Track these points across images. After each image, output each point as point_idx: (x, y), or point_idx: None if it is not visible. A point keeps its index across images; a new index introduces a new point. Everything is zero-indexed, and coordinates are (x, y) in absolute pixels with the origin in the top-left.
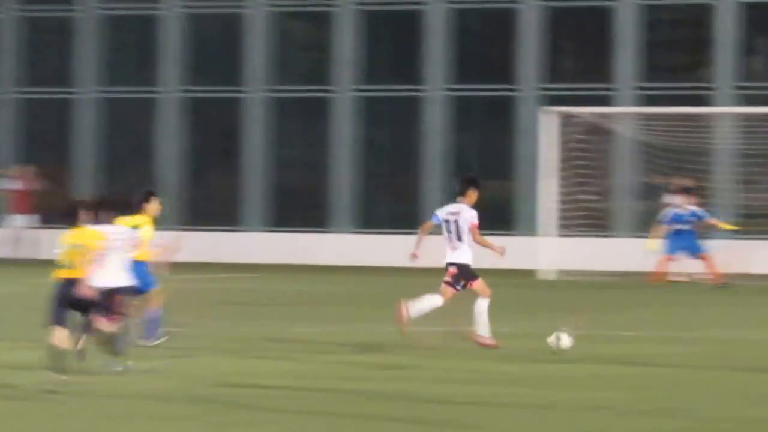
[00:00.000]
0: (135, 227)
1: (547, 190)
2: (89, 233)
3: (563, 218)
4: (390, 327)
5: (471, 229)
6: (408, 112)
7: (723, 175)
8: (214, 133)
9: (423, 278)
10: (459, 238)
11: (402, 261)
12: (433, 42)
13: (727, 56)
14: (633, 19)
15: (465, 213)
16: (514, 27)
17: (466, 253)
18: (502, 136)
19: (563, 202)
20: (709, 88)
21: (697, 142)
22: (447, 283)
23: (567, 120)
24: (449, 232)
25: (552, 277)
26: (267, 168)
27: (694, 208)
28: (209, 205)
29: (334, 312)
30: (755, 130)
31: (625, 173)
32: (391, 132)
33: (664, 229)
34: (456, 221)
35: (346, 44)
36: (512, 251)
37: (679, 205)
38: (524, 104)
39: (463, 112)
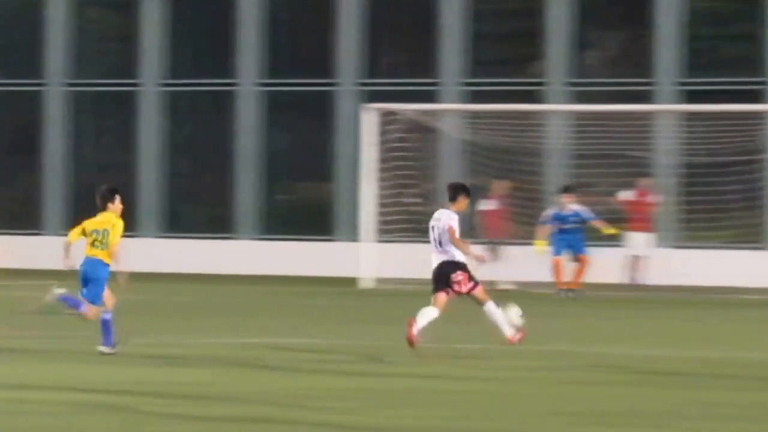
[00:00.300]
0: None
1: (368, 193)
2: None
3: (384, 223)
4: (201, 339)
5: (447, 231)
6: (219, 108)
7: (555, 177)
8: (12, 129)
9: (232, 287)
10: (440, 243)
11: (213, 267)
12: (246, 33)
13: (558, 50)
14: (458, 9)
15: (444, 216)
16: (333, 17)
17: (457, 254)
18: (320, 135)
19: (384, 205)
20: (540, 84)
21: (527, 141)
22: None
23: (388, 117)
24: (434, 238)
25: (372, 285)
26: (67, 167)
27: (577, 207)
28: (9, 207)
29: (132, 323)
30: (588, 129)
31: (451, 175)
32: (201, 129)
33: (547, 229)
34: (440, 227)
35: (152, 35)
36: (332, 258)
37: (562, 204)
38: (343, 100)
39: (278, 108)
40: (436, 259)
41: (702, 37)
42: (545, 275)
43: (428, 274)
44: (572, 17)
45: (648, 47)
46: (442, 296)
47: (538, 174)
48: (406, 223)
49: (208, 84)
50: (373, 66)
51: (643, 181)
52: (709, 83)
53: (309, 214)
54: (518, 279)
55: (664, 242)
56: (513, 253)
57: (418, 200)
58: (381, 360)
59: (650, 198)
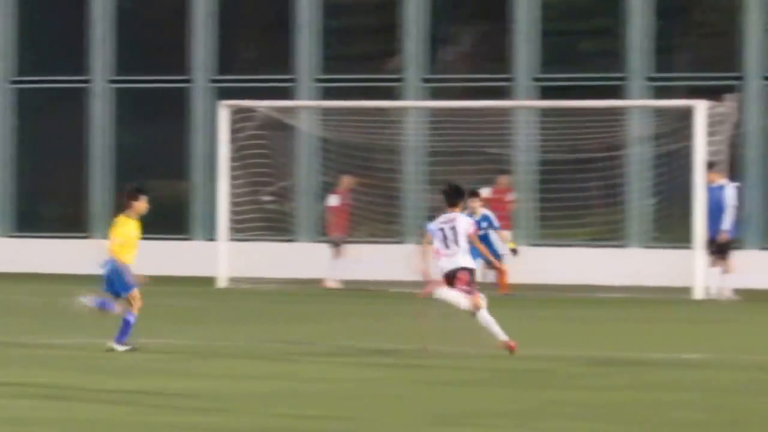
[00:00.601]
0: None
1: (224, 191)
2: None
3: (239, 221)
4: (49, 339)
5: (470, 237)
6: (71, 105)
7: (411, 175)
8: None
9: (88, 286)
10: (456, 244)
11: (69, 267)
12: (97, 29)
13: (414, 46)
14: (313, 5)
15: (461, 219)
16: (186, 13)
17: (467, 257)
18: (174, 132)
19: (239, 203)
20: (396, 80)
21: (383, 138)
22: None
23: (243, 114)
24: (446, 239)
25: (227, 285)
26: None
27: (486, 212)
28: None
29: None
30: (445, 126)
31: (306, 172)
32: (53, 126)
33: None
34: (453, 227)
35: (1, 31)
36: (189, 257)
37: (473, 209)
38: (198, 97)
39: (131, 105)
40: (449, 263)
41: (560, 32)
42: (395, 274)
43: (284, 273)
44: (428, 12)
45: (505, 43)
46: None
47: (395, 171)
48: (262, 222)
49: (59, 81)
50: (227, 62)
51: (501, 179)
52: (567, 79)
53: (164, 212)
54: (372, 278)
55: (522, 240)
56: (359, 251)
57: (273, 198)
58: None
59: (508, 195)
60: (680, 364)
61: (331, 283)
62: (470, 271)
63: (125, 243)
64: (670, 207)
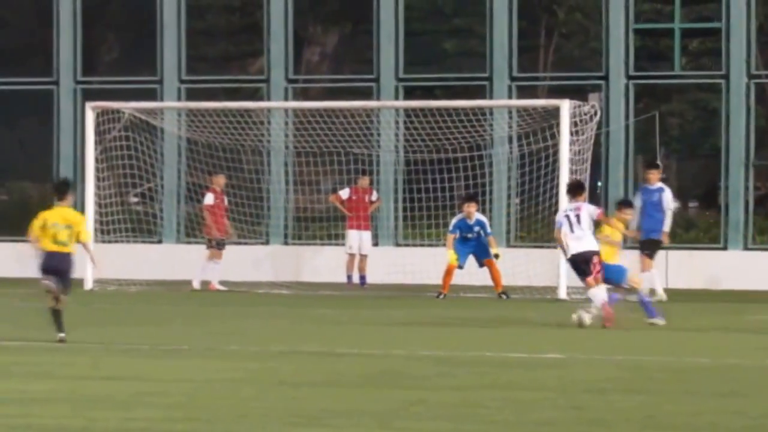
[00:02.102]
0: None
1: (90, 193)
2: None
3: (106, 223)
4: None
5: (599, 218)
6: None
7: (277, 175)
8: None
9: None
10: (581, 228)
11: None
12: None
13: (279, 47)
14: (177, 5)
15: (586, 206)
16: (51, 14)
17: (593, 240)
18: (41, 134)
19: (106, 205)
20: (260, 81)
21: (248, 139)
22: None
23: (109, 116)
24: (572, 224)
25: (93, 286)
26: None
27: (480, 217)
28: None
29: None
30: (309, 127)
31: (172, 174)
32: None
33: (452, 238)
34: (578, 215)
35: None
36: None
37: (468, 213)
38: (63, 99)
39: None
40: (578, 246)
41: (423, 33)
42: (261, 275)
43: (150, 275)
44: (292, 13)
45: (369, 43)
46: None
47: (261, 172)
48: (127, 223)
49: None
50: (93, 64)
51: (362, 179)
52: (431, 79)
53: (31, 214)
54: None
55: (384, 240)
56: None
57: (139, 199)
58: (96, 363)
59: (368, 196)
60: (541, 365)
61: (215, 285)
62: (597, 253)
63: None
64: (535, 206)
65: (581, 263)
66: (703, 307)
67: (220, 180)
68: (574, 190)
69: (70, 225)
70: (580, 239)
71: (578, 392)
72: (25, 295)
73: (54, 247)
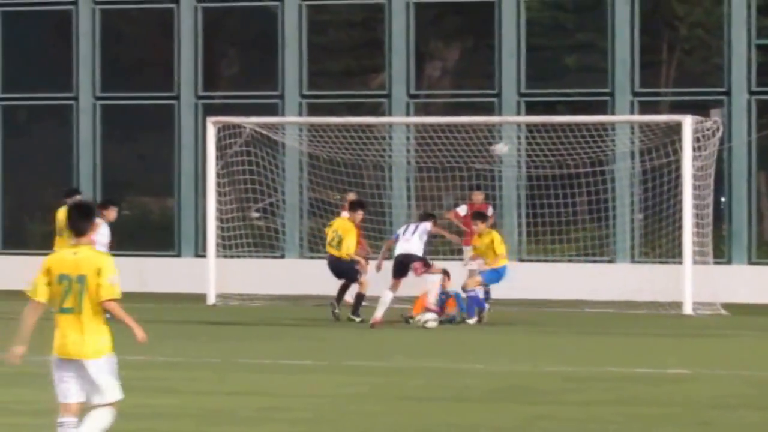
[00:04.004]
0: None
1: (212, 208)
2: None
3: (228, 238)
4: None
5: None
6: (59, 121)
7: (399, 191)
8: None
9: None
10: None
11: None
12: (83, 46)
13: (400, 62)
14: (298, 21)
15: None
16: (172, 29)
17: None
18: (161, 149)
19: (227, 220)
20: (382, 96)
21: (370, 154)
22: None
23: (230, 131)
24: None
25: (216, 301)
26: None
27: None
28: None
29: None
30: (429, 141)
31: (293, 189)
32: (40, 143)
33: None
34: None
35: None
36: (178, 274)
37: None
38: (184, 114)
39: (118, 122)
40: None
41: (545, 48)
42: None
43: (271, 290)
44: (414, 28)
45: (491, 58)
46: None
47: (382, 188)
48: (249, 238)
49: (46, 98)
50: (214, 79)
51: (475, 195)
52: (553, 94)
53: (153, 229)
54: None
55: (509, 256)
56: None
57: (260, 215)
58: (220, 379)
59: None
60: (666, 379)
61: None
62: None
63: None
64: (658, 222)
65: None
66: None
67: (351, 197)
68: None
69: None
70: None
71: (704, 408)
72: (157, 310)
73: None
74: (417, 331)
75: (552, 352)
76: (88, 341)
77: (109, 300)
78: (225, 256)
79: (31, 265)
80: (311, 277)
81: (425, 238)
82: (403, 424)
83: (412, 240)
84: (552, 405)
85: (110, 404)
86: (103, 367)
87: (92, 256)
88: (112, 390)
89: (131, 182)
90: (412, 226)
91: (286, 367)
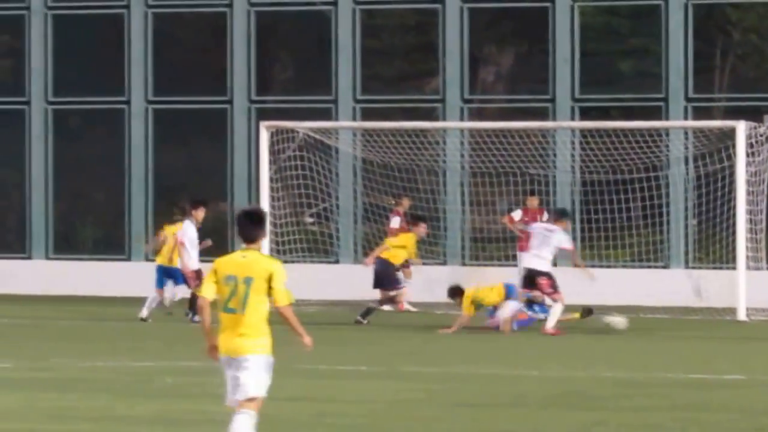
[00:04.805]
0: None
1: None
2: None
3: (282, 243)
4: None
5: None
6: (111, 125)
7: (453, 195)
8: None
9: (126, 309)
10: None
11: (107, 290)
12: (135, 49)
13: (454, 66)
14: (352, 25)
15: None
16: (225, 33)
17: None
18: (215, 153)
19: (281, 225)
20: (436, 101)
21: (424, 159)
22: None
23: (284, 135)
24: None
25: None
26: None
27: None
28: None
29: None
30: (485, 147)
31: (347, 193)
32: (92, 148)
33: None
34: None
35: (38, 52)
36: None
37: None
38: (237, 118)
39: (171, 126)
40: None
41: (599, 53)
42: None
43: (326, 295)
44: (468, 33)
45: (545, 63)
46: None
47: (436, 192)
48: (303, 243)
49: (98, 102)
50: (267, 83)
51: (531, 200)
52: (607, 100)
53: (206, 234)
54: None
55: (562, 261)
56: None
57: (314, 219)
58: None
59: (539, 217)
60: (720, 385)
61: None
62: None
63: None
64: (712, 228)
65: None
66: None
67: (406, 203)
68: None
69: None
70: None
71: (760, 414)
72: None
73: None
74: (472, 337)
75: (607, 358)
76: (249, 340)
77: (286, 305)
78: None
79: (83, 270)
80: (366, 282)
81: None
82: (459, 430)
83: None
84: (607, 411)
85: (252, 406)
86: (260, 365)
87: (262, 260)
88: (260, 386)
89: (184, 187)
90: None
91: (342, 372)
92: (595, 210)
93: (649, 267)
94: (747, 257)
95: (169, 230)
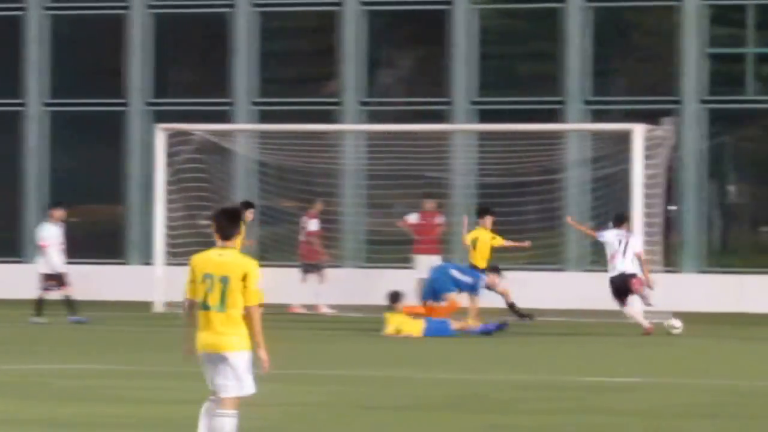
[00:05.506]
0: None
1: (160, 215)
2: None
3: (176, 245)
4: None
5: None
6: (7, 128)
7: (351, 198)
8: None
9: (23, 311)
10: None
11: (4, 292)
12: (32, 52)
13: (352, 69)
14: (249, 28)
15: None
16: (122, 36)
17: None
18: (110, 156)
19: (176, 227)
20: (333, 104)
21: (321, 161)
22: None
23: (180, 138)
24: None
25: (163, 309)
26: None
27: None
28: None
29: None
30: (383, 149)
31: (244, 196)
32: None
33: None
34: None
35: None
36: (125, 282)
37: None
38: (134, 121)
39: (65, 128)
40: None
41: (498, 56)
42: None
43: None
44: (366, 36)
45: (443, 66)
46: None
47: (333, 195)
48: (199, 246)
49: None
50: (164, 86)
51: (427, 203)
52: (505, 102)
53: (100, 237)
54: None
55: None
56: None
57: (209, 222)
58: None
59: (435, 219)
60: (619, 388)
61: (323, 309)
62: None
63: None
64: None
65: None
66: None
67: (319, 206)
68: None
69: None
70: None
71: (656, 417)
72: (104, 319)
73: None
74: (373, 340)
75: (505, 361)
76: (227, 337)
77: (255, 306)
78: (173, 264)
79: None
80: (265, 285)
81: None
82: None
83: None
84: (505, 414)
85: (232, 404)
86: (239, 362)
87: (238, 260)
88: (243, 385)
89: (80, 189)
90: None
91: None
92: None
93: (546, 270)
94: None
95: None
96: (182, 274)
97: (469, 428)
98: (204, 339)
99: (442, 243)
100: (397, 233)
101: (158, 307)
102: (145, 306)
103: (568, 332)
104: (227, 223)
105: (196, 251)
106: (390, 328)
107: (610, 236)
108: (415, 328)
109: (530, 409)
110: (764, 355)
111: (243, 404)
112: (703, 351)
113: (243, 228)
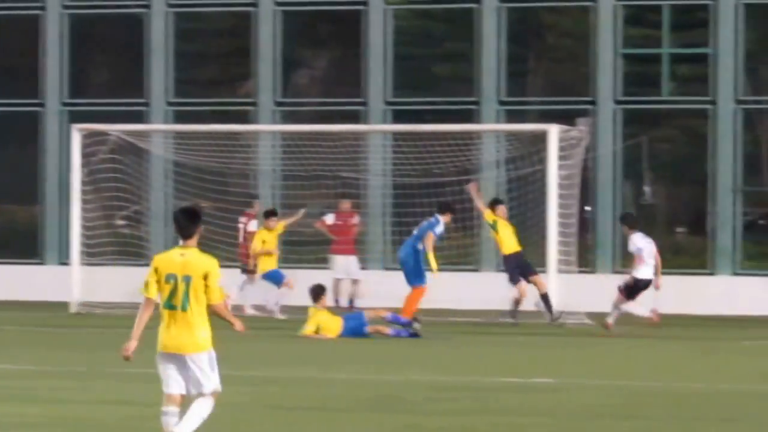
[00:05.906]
0: None
1: (77, 216)
2: None
3: (92, 246)
4: None
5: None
6: None
7: (265, 198)
8: None
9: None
10: None
11: None
12: None
13: (267, 70)
14: (165, 28)
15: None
16: (38, 36)
17: None
18: (26, 156)
19: (92, 228)
20: (249, 104)
21: (237, 162)
22: None
23: (96, 138)
24: None
25: (79, 309)
26: None
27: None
28: None
29: None
30: (298, 150)
31: (159, 196)
32: None
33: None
34: None
35: None
36: (41, 282)
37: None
38: (50, 121)
39: None
40: None
41: (413, 57)
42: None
43: (137, 298)
44: (281, 36)
45: (358, 67)
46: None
47: (249, 195)
48: (114, 246)
49: None
50: (80, 86)
51: (343, 203)
52: (421, 103)
53: (17, 237)
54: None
55: (373, 265)
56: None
57: (126, 222)
58: (84, 387)
59: (351, 219)
60: (533, 389)
61: (250, 311)
62: None
63: None
64: (523, 231)
65: None
66: (693, 333)
67: (257, 206)
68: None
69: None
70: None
71: (571, 417)
72: (20, 319)
73: None
74: (299, 341)
75: (419, 362)
76: (191, 337)
77: (218, 303)
78: (89, 264)
79: None
80: None
81: None
82: None
83: None
84: (418, 415)
85: (209, 395)
86: (204, 361)
87: (199, 259)
88: (211, 382)
89: None
90: None
91: (152, 376)
92: (406, 213)
93: (461, 270)
94: (558, 261)
95: None
96: (98, 274)
97: (382, 429)
98: (167, 340)
99: (358, 243)
100: (314, 233)
101: (74, 307)
102: (62, 306)
103: (484, 332)
104: (186, 222)
105: (112, 251)
106: (310, 325)
107: (645, 242)
108: (334, 325)
109: (444, 410)
110: (680, 354)
111: (154, 404)
112: (618, 352)
113: (270, 236)
